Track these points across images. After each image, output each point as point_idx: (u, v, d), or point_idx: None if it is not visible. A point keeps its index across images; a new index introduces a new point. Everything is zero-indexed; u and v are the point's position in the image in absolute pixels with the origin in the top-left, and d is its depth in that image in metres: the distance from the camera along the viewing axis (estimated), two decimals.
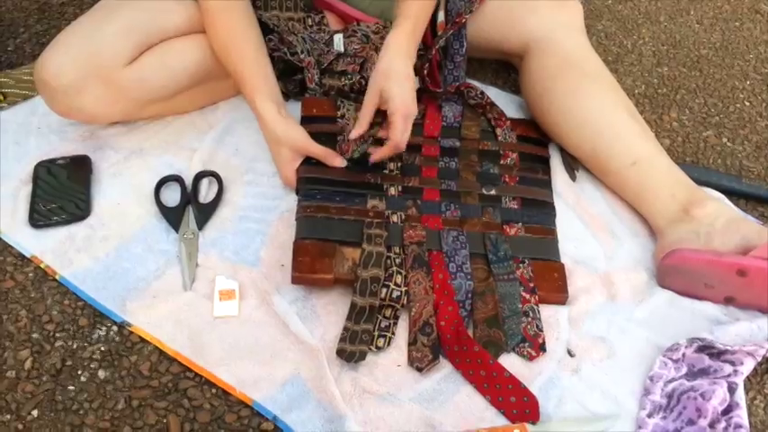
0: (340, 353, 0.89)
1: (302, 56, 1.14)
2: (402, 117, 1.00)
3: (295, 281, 0.94)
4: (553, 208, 1.06)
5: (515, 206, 1.04)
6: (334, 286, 0.96)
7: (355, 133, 1.02)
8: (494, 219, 1.02)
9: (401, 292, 0.93)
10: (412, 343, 0.91)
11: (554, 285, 0.97)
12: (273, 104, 1.05)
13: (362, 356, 0.89)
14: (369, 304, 0.92)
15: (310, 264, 0.94)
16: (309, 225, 0.98)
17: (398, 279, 0.94)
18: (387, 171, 1.06)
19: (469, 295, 0.94)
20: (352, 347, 0.90)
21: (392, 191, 1.04)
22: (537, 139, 1.14)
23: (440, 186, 1.05)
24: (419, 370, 0.89)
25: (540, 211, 1.04)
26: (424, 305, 0.93)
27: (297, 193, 1.04)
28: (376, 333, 0.92)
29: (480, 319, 0.93)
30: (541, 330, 0.93)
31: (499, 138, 1.12)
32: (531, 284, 0.96)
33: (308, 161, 1.06)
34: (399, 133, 1.00)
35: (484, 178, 1.07)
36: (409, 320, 0.92)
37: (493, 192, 1.05)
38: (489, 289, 0.95)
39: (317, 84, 1.15)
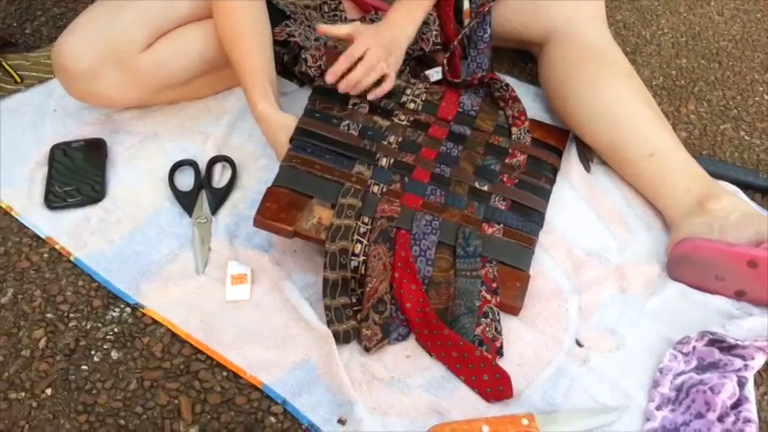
0: (336, 336, 0.89)
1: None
2: (357, 43, 1.03)
3: (256, 223, 0.94)
4: (542, 218, 1.01)
5: (503, 207, 1.00)
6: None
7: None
8: (476, 214, 0.98)
9: (358, 262, 0.92)
10: (364, 320, 0.90)
11: (511, 294, 0.92)
12: (269, 104, 1.04)
13: (357, 333, 0.90)
14: (341, 277, 0.92)
15: (276, 211, 0.94)
16: (289, 174, 0.98)
17: (357, 248, 0.92)
18: (386, 143, 1.03)
19: (426, 281, 0.92)
20: (343, 327, 0.90)
21: (383, 162, 1.01)
22: (553, 146, 1.10)
23: (433, 169, 1.01)
24: (367, 349, 0.89)
25: (527, 219, 0.99)
26: (380, 281, 0.91)
27: (290, 142, 1.02)
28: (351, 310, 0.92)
29: None
30: (500, 334, 0.90)
31: (513, 136, 1.09)
32: (494, 285, 0.93)
33: (311, 114, 1.04)
34: (355, 49, 1.03)
35: (482, 173, 1.03)
36: (363, 296, 0.91)
37: (485, 188, 1.01)
38: (446, 281, 0.92)
39: None
